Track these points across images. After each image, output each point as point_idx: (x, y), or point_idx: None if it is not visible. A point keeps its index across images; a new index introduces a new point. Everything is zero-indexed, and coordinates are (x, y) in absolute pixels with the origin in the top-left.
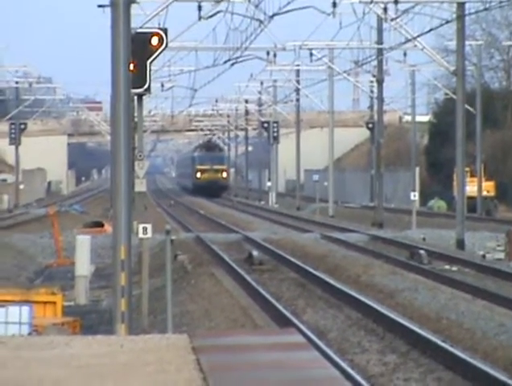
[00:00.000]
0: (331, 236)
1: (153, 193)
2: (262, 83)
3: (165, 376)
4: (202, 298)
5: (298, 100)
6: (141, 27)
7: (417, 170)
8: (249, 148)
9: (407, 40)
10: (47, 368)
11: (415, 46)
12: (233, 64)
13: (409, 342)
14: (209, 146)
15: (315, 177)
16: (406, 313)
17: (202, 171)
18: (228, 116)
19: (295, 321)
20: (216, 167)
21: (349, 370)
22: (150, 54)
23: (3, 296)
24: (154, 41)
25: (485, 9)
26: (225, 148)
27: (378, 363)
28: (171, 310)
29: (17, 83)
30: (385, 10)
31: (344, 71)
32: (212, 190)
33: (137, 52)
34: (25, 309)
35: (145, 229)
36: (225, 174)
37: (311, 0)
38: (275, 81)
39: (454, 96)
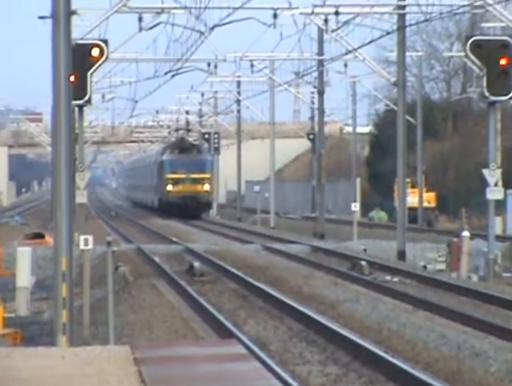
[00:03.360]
0: (272, 247)
1: (94, 204)
2: (202, 94)
3: None
4: (143, 309)
5: (239, 111)
6: (81, 39)
7: (358, 181)
8: None
9: (348, 51)
10: None
11: (356, 57)
12: (173, 76)
13: (350, 353)
14: (184, 147)
15: (257, 188)
16: (348, 324)
17: (175, 182)
18: (168, 127)
19: (237, 332)
20: (194, 176)
21: (291, 381)
22: (90, 65)
23: None
24: (95, 52)
25: (426, 20)
26: (206, 147)
27: (320, 374)
28: (113, 321)
29: None
30: (325, 21)
31: (285, 83)
32: (190, 208)
33: (77, 64)
34: None
35: (86, 240)
36: (207, 187)
37: (251, 11)
38: (216, 92)
39: (395, 107)
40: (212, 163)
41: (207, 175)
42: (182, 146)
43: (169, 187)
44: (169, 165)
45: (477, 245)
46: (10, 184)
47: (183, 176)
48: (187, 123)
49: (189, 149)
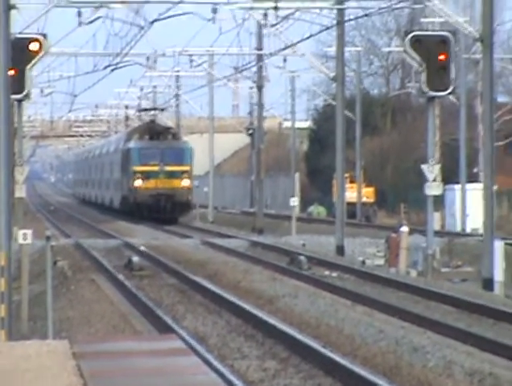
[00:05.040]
0: (211, 242)
1: (33, 200)
2: (141, 89)
3: (45, 383)
4: (82, 304)
5: (178, 105)
6: (20, 33)
7: (297, 176)
8: None
9: (287, 46)
10: None
11: (295, 52)
12: (112, 70)
13: (289, 348)
14: (157, 131)
15: (195, 183)
16: (286, 319)
17: (145, 176)
18: (108, 121)
19: (175, 327)
20: (170, 169)
21: (229, 375)
22: (29, 59)
23: None
24: (34, 46)
25: (365, 15)
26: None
27: (258, 369)
28: (52, 315)
29: None
30: (265, 15)
31: (224, 77)
32: (165, 210)
33: (16, 58)
34: None
35: (25, 235)
36: (186, 182)
37: (191, 6)
38: (155, 87)
39: (334, 103)
40: (192, 152)
41: (186, 168)
42: (153, 131)
43: (137, 183)
44: (137, 154)
45: (416, 240)
46: None
47: (155, 168)
48: (127, 117)
49: (163, 134)
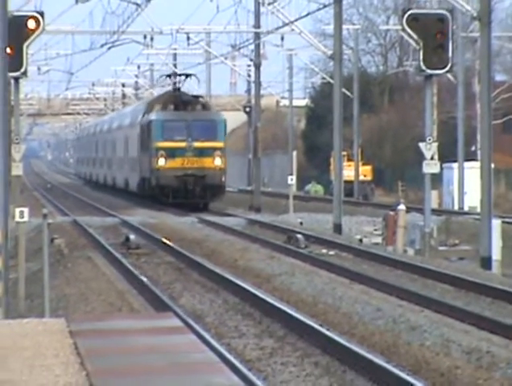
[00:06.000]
0: (208, 220)
1: (30, 178)
2: (138, 66)
3: (42, 361)
4: (79, 282)
5: (175, 83)
6: (17, 11)
7: (294, 154)
8: None
9: (285, 24)
10: None
11: (293, 30)
12: (109, 48)
13: (286, 326)
14: (183, 100)
15: None
16: (283, 297)
17: (170, 154)
18: (105, 99)
19: (172, 305)
20: (200, 145)
21: (227, 354)
22: (26, 37)
23: None
24: (31, 24)
25: None
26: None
27: (256, 348)
28: (48, 294)
29: None
30: None
31: (222, 55)
32: (193, 194)
33: (13, 36)
34: None
35: (21, 213)
36: (219, 161)
37: None
38: (152, 65)
39: (331, 81)
40: (225, 125)
41: (219, 144)
42: (179, 100)
43: (160, 162)
44: (160, 128)
45: (413, 219)
46: None
47: (182, 145)
48: (124, 95)
49: (191, 104)
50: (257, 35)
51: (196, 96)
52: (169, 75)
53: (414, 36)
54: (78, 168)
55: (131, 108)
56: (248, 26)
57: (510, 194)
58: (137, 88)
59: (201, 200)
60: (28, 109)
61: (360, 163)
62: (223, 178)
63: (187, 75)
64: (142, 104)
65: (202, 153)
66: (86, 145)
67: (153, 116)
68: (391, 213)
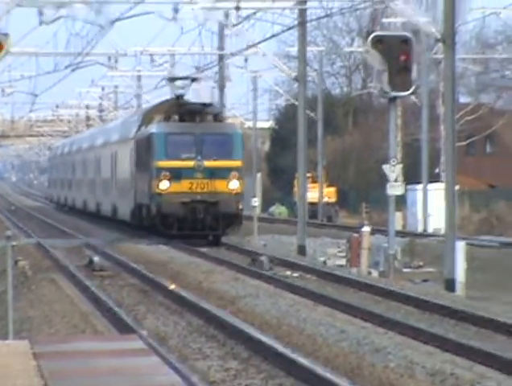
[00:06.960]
0: (173, 243)
1: None
2: (103, 88)
3: (5, 383)
4: (43, 304)
5: (139, 106)
6: None
7: (258, 176)
8: None
9: (249, 46)
10: None
11: (257, 52)
12: (74, 70)
13: (250, 348)
14: (189, 109)
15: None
16: (248, 319)
17: (174, 176)
18: (69, 121)
19: (136, 327)
20: (211, 165)
21: (191, 376)
22: None
23: None
24: None
25: (327, 15)
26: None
27: (220, 369)
28: (12, 315)
29: None
30: (226, 15)
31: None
32: (203, 224)
33: None
34: None
35: None
36: (235, 184)
37: (152, 6)
38: (116, 87)
39: (295, 102)
40: (242, 140)
41: (235, 163)
42: (185, 109)
43: (163, 185)
44: (163, 143)
45: (377, 241)
46: None
47: (190, 164)
48: (88, 118)
49: (200, 115)
50: (221, 57)
51: (206, 105)
52: (174, 79)
53: (378, 58)
54: (50, 191)
55: (120, 121)
56: (212, 48)
57: (474, 216)
58: (101, 110)
59: (213, 232)
60: None
61: (324, 185)
62: (240, 205)
63: (193, 79)
64: (136, 114)
65: (214, 174)
66: (60, 165)
67: (153, 128)
68: (355, 235)
